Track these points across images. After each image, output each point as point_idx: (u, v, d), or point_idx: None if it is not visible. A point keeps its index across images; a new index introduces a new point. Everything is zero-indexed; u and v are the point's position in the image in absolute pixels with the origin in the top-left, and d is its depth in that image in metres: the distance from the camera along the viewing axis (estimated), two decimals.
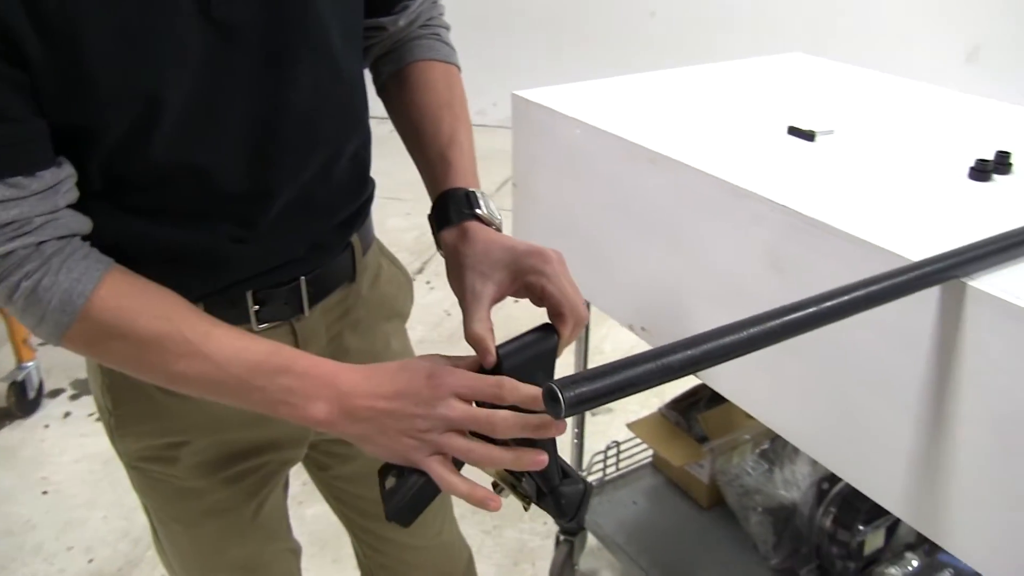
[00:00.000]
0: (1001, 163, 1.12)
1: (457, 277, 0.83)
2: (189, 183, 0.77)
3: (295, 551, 1.13)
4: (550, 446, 0.75)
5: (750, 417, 1.73)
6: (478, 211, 0.85)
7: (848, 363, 0.98)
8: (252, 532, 1.02)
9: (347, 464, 1.10)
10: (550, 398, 0.58)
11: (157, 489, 0.97)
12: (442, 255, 0.87)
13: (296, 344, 0.93)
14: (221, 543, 1.01)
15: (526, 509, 0.80)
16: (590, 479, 1.81)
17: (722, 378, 1.18)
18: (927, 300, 0.87)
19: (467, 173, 0.89)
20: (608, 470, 1.85)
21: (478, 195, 0.87)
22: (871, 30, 4.14)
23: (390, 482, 0.77)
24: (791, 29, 4.16)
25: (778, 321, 0.68)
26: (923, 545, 1.53)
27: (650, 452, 1.91)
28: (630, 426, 1.80)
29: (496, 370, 0.75)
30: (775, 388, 1.09)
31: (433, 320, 2.90)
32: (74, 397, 2.62)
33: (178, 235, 0.80)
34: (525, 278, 0.79)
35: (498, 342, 0.77)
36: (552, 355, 0.78)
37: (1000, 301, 0.82)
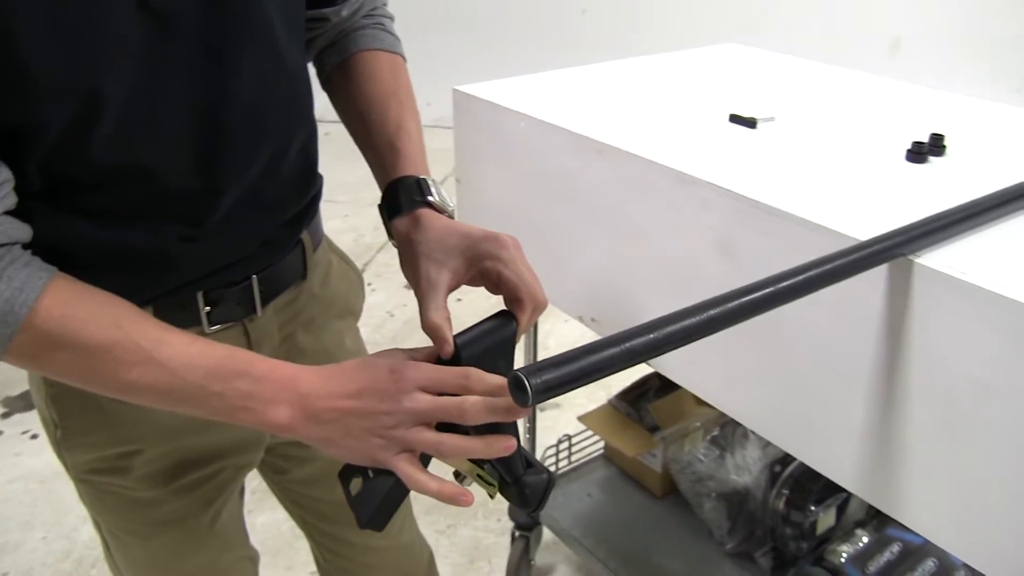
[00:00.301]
0: (935, 145, 1.15)
1: (411, 266, 0.82)
2: (133, 182, 0.75)
3: (253, 559, 1.11)
4: (513, 433, 0.74)
5: (700, 404, 1.77)
6: (430, 198, 0.84)
7: (800, 345, 0.99)
8: (209, 541, 0.99)
9: (304, 467, 1.08)
10: (517, 387, 0.58)
11: (108, 502, 0.93)
12: (394, 245, 0.85)
13: (249, 345, 0.91)
14: (177, 554, 0.98)
15: (492, 497, 0.79)
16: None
17: (675, 365, 1.18)
18: (876, 279, 0.88)
19: (417, 161, 0.88)
20: (560, 464, 1.85)
21: (429, 182, 0.86)
22: (797, 23, 4.23)
23: (355, 486, 0.75)
24: (718, 27, 4.22)
25: (736, 302, 0.68)
26: (872, 521, 1.56)
27: (601, 444, 1.91)
28: (581, 419, 1.80)
29: (454, 360, 0.74)
30: (728, 373, 1.10)
31: (375, 322, 2.87)
32: (5, 415, 2.53)
33: (124, 236, 0.77)
34: (481, 264, 0.78)
35: (456, 331, 0.76)
36: (511, 342, 0.77)
37: (946, 277, 0.83)
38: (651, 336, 0.62)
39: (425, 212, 0.83)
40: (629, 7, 4.49)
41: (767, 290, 0.71)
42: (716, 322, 0.66)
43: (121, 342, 0.69)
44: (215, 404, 0.71)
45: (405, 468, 0.70)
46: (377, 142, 0.91)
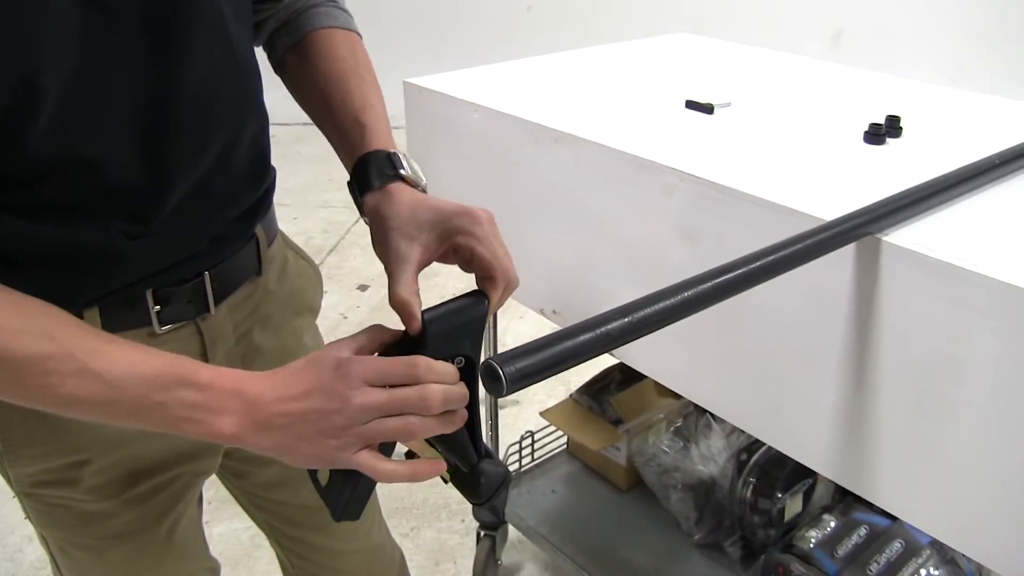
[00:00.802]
0: (892, 127, 1.15)
1: (382, 242, 0.78)
2: (74, 176, 0.70)
3: (214, 570, 1.06)
4: (470, 418, 0.71)
5: (662, 395, 1.75)
6: (402, 171, 0.80)
7: (766, 329, 0.98)
8: (167, 553, 0.95)
9: (265, 469, 1.03)
10: (489, 376, 0.55)
11: (56, 516, 0.88)
12: (366, 222, 0.81)
13: (203, 345, 0.87)
14: (132, 569, 0.93)
15: (446, 482, 0.76)
16: None
17: (640, 355, 1.17)
18: (842, 259, 0.87)
19: (385, 136, 0.85)
20: (524, 460, 1.83)
21: (400, 156, 0.82)
22: (738, 16, 4.26)
23: (324, 476, 0.72)
24: (659, 21, 4.24)
25: (711, 283, 0.67)
26: (838, 506, 1.56)
27: (564, 440, 1.89)
28: (543, 414, 1.78)
29: (421, 337, 0.70)
30: (695, 361, 1.09)
31: (329, 324, 2.82)
32: None
33: (65, 234, 0.72)
34: (453, 239, 0.75)
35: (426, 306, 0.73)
36: (481, 323, 0.73)
37: (914, 254, 0.83)
38: (626, 320, 0.60)
39: (397, 186, 0.79)
40: (574, 3, 4.49)
41: (741, 270, 0.69)
42: (691, 304, 0.64)
43: (54, 354, 0.64)
44: (157, 416, 0.66)
45: (369, 463, 0.67)
46: (341, 120, 0.87)
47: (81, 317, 0.76)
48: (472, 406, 0.70)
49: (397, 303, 0.72)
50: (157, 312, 0.82)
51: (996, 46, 4.19)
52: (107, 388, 0.65)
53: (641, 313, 0.61)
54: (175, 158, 0.75)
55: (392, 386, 0.66)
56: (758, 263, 0.71)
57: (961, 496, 0.86)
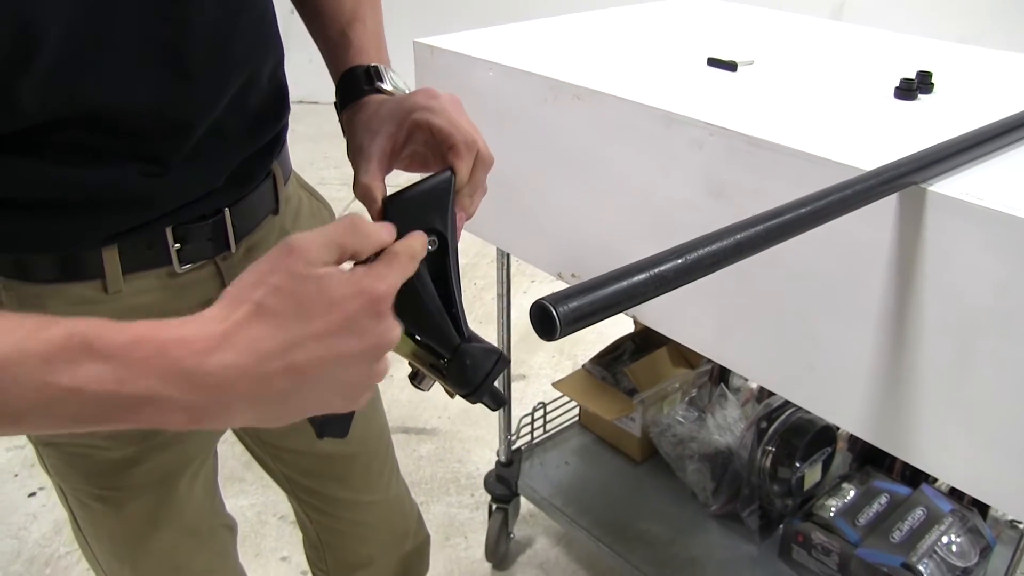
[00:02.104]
0: (924, 82, 1.12)
1: (350, 145, 0.74)
2: (88, 122, 0.66)
3: (231, 528, 1.03)
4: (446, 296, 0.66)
5: (677, 365, 1.73)
6: (380, 84, 0.77)
7: (800, 286, 0.95)
8: (187, 506, 0.92)
9: None
10: (542, 317, 0.51)
11: (76, 465, 0.85)
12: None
13: (223, 286, 0.81)
14: (153, 522, 0.90)
15: (452, 396, 0.70)
16: (518, 444, 1.76)
17: (664, 318, 1.13)
18: (883, 210, 0.84)
19: (369, 49, 0.82)
20: (536, 433, 1.80)
21: (382, 69, 0.79)
22: None
23: None
24: None
25: (763, 226, 0.64)
26: (857, 475, 1.54)
27: (576, 412, 1.87)
28: (556, 385, 1.75)
29: (383, 218, 0.65)
30: (722, 322, 1.06)
31: None
32: None
33: (81, 175, 0.69)
34: (411, 118, 0.70)
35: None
36: (446, 194, 0.67)
37: (962, 203, 0.80)
38: (679, 261, 0.57)
39: (371, 98, 0.76)
40: None
41: (792, 214, 0.66)
42: (743, 247, 0.61)
43: None
44: (72, 408, 0.48)
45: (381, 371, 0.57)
46: (329, 33, 0.84)
47: (99, 254, 0.73)
48: (446, 284, 0.65)
49: (360, 191, 0.68)
50: (177, 250, 0.79)
51: (1000, 15, 4.15)
52: None
53: (695, 254, 0.58)
54: (192, 100, 0.72)
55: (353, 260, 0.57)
56: (808, 207, 0.68)
57: (1006, 455, 0.83)
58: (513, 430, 1.73)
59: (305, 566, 1.26)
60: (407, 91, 0.77)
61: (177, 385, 0.48)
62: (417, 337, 0.68)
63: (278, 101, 0.86)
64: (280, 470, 1.10)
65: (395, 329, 0.56)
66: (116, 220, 0.73)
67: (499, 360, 0.68)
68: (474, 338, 0.68)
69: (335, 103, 0.80)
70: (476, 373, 0.67)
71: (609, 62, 1.25)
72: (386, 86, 0.77)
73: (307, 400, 0.54)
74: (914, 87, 1.10)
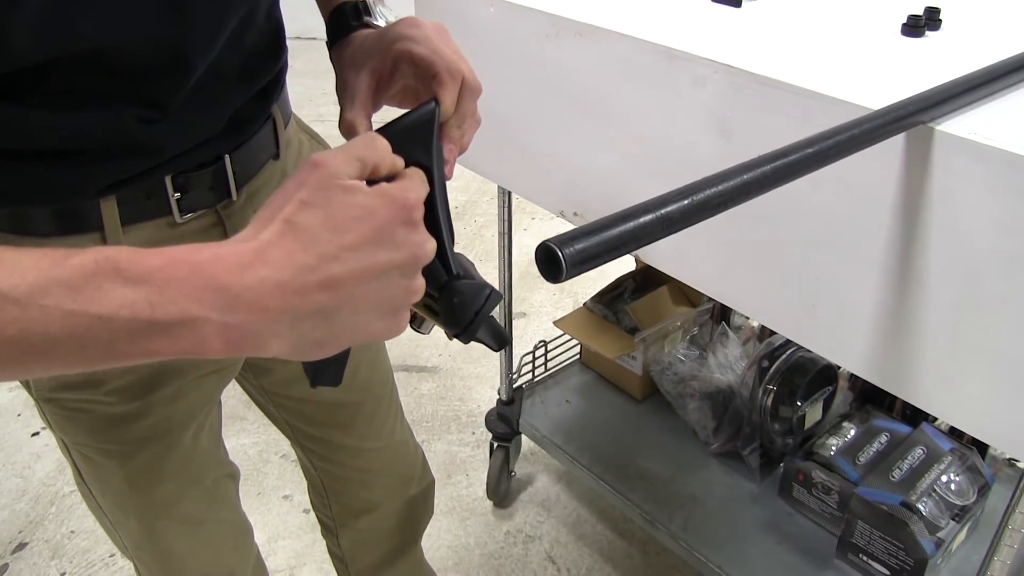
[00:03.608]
0: (932, 19, 1.09)
1: (337, 82, 0.72)
2: (81, 64, 0.64)
3: (234, 476, 1.03)
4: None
5: (678, 303, 1.73)
6: (368, 19, 0.74)
7: (804, 225, 0.94)
8: (191, 457, 0.91)
9: (289, 364, 0.99)
10: (547, 259, 0.51)
11: (78, 420, 0.84)
12: None
13: (225, 235, 0.82)
14: (158, 474, 0.90)
15: (451, 338, 0.67)
16: (519, 382, 1.77)
17: (668, 257, 1.13)
18: (889, 150, 0.83)
19: None
20: (537, 371, 1.81)
21: (370, 3, 0.76)
22: None
23: None
24: None
25: (769, 167, 0.62)
26: (857, 414, 1.55)
27: (576, 350, 1.87)
28: (557, 323, 1.76)
29: None
30: (726, 261, 1.05)
31: None
32: None
33: (75, 121, 0.66)
34: (393, 48, 0.68)
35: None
36: (429, 125, 0.64)
37: (971, 143, 0.78)
38: (686, 202, 0.56)
39: (361, 33, 0.74)
40: None
41: (798, 154, 0.65)
42: (750, 187, 0.60)
43: None
44: (104, 339, 0.45)
45: (419, 286, 0.56)
46: None
47: (97, 206, 0.71)
48: (433, 218, 0.61)
49: (344, 127, 0.67)
50: (177, 200, 0.76)
51: None
52: (19, 311, 0.44)
53: (701, 195, 0.57)
54: (190, 38, 0.69)
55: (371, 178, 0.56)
56: (815, 147, 0.67)
57: (1009, 397, 0.83)
58: (514, 368, 1.73)
59: (307, 504, 1.28)
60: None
61: (213, 305, 0.46)
62: None
63: (275, 41, 0.83)
64: (284, 418, 1.09)
65: (430, 241, 0.55)
66: (114, 169, 0.71)
67: (489, 296, 0.64)
68: (467, 275, 0.65)
69: (326, 42, 0.78)
70: (465, 311, 0.63)
71: None
72: (375, 20, 0.74)
73: (346, 322, 0.51)
74: (921, 23, 1.08)
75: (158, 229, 0.77)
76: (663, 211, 0.55)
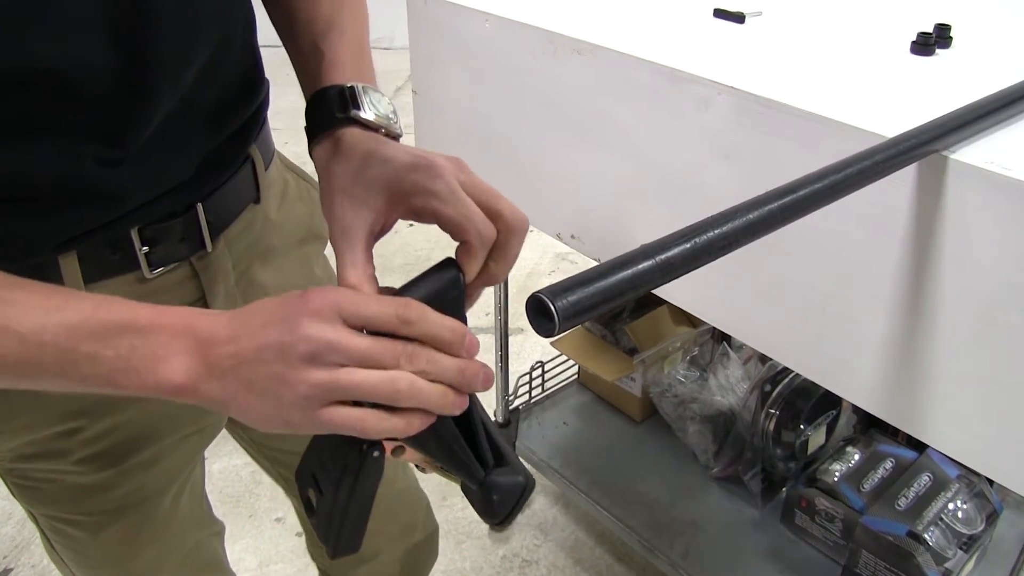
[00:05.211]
0: (942, 36, 1.06)
1: (328, 206, 0.62)
2: (33, 91, 0.57)
3: (219, 533, 0.98)
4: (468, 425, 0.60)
5: (677, 323, 1.69)
6: (356, 112, 0.65)
7: (812, 255, 0.90)
8: (171, 524, 0.85)
9: None
10: (538, 311, 0.47)
11: (44, 492, 0.78)
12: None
13: (201, 288, 0.76)
14: (134, 545, 0.84)
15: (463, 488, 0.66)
16: (516, 404, 1.73)
17: (670, 284, 1.09)
18: (902, 179, 0.80)
19: (347, 65, 0.70)
20: (534, 392, 1.77)
21: (359, 90, 0.66)
22: None
23: (313, 497, 0.61)
24: None
25: (777, 204, 0.59)
26: (861, 438, 1.51)
27: (575, 370, 1.84)
28: (554, 343, 1.72)
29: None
30: (730, 289, 1.02)
31: None
32: None
33: (24, 161, 0.59)
34: (410, 202, 0.60)
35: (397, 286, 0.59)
36: (459, 299, 0.59)
37: (988, 173, 0.75)
38: (687, 246, 0.53)
39: (349, 132, 0.64)
40: None
41: (807, 190, 0.61)
42: (757, 227, 0.57)
43: None
44: (87, 371, 0.53)
45: (344, 417, 0.52)
46: (302, 44, 0.73)
47: (56, 264, 0.65)
48: (467, 417, 0.58)
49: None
50: (146, 254, 0.70)
51: None
52: (19, 343, 0.52)
53: (705, 237, 0.53)
54: (156, 64, 0.62)
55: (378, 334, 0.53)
56: (825, 182, 0.63)
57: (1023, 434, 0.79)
58: (511, 390, 1.69)
59: (299, 527, 1.23)
60: (392, 119, 0.67)
61: (191, 351, 0.54)
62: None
63: (252, 75, 0.77)
64: (278, 471, 1.05)
65: (339, 345, 0.52)
66: (72, 220, 0.65)
67: (524, 493, 0.64)
68: (499, 460, 0.63)
69: (305, 128, 0.68)
70: (503, 507, 0.64)
71: (611, 14, 1.19)
72: (364, 114, 0.65)
73: (242, 399, 0.54)
74: (932, 41, 1.04)
75: (127, 285, 0.71)
76: (663, 256, 0.51)
